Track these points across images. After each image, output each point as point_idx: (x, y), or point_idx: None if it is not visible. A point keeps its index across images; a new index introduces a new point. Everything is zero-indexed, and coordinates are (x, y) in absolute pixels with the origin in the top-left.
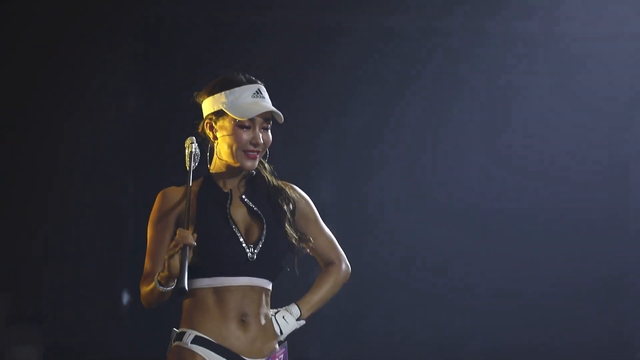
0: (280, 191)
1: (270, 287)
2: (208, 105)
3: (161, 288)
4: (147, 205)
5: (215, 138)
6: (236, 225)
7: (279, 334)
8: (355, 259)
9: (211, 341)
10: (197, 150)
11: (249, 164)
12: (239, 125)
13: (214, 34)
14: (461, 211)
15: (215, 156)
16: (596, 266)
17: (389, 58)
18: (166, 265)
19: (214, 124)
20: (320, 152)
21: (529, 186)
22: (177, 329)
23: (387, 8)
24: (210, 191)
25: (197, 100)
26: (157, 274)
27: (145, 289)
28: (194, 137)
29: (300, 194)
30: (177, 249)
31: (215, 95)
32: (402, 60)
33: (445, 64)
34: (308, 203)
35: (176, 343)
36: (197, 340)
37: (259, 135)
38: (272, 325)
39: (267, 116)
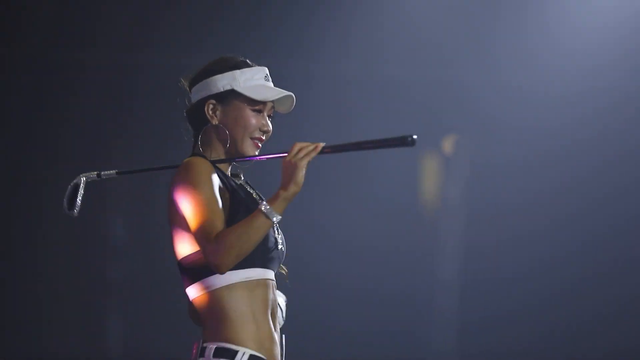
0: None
1: None
2: (210, 86)
3: (278, 217)
4: None
5: (221, 122)
6: None
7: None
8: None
9: None
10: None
11: (252, 152)
12: (251, 109)
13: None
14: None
15: (213, 141)
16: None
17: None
18: (296, 178)
19: (218, 106)
20: None
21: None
22: (206, 341)
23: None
24: (227, 177)
25: (185, 82)
26: (264, 206)
27: (233, 237)
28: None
29: None
30: (313, 150)
31: (225, 73)
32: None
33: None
34: None
35: None
36: None
37: (268, 122)
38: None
39: (272, 104)
